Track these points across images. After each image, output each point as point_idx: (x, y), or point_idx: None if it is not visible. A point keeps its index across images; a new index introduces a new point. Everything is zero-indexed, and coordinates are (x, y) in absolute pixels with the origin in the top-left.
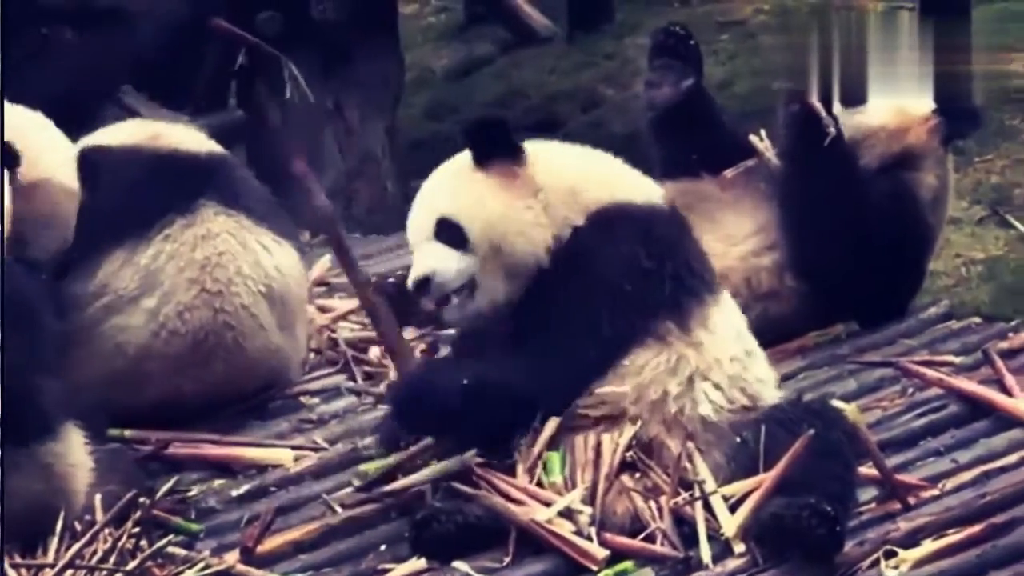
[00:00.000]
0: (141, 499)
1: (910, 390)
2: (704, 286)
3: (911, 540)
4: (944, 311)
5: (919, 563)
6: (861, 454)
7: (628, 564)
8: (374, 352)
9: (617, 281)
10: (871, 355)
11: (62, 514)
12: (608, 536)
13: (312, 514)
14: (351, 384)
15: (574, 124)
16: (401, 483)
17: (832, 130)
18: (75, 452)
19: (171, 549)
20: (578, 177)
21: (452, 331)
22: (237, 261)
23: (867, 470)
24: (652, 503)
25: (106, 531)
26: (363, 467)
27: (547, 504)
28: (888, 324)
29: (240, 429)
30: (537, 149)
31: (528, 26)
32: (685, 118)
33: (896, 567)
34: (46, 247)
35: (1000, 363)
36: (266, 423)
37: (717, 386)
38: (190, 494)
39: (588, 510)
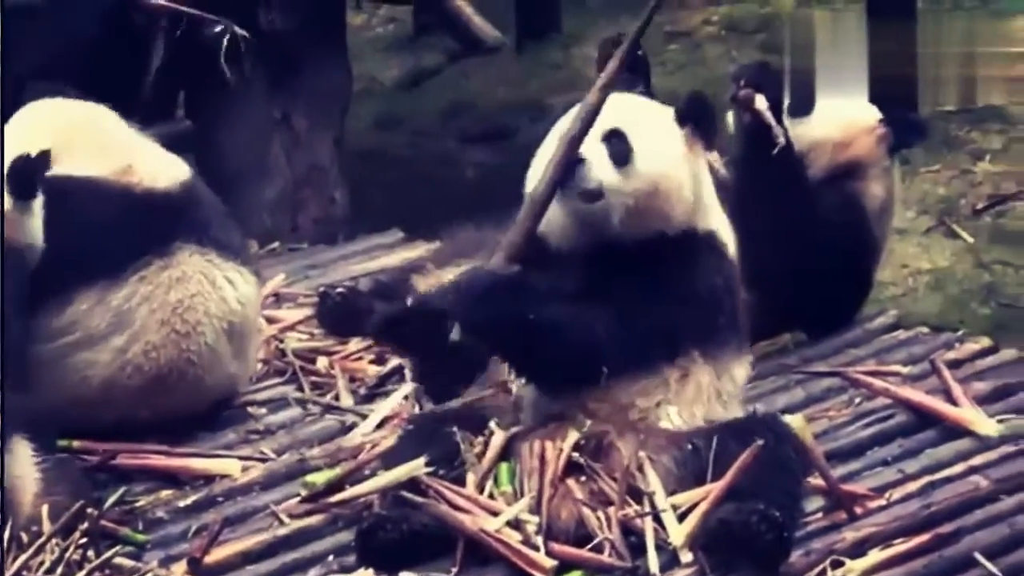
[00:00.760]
0: (88, 510)
1: (857, 400)
2: (738, 334)
3: (858, 550)
4: (891, 321)
5: (866, 573)
6: (810, 466)
7: (576, 574)
8: (322, 362)
9: (693, 299)
10: (818, 365)
11: (8, 525)
12: (556, 546)
13: (259, 525)
14: (298, 394)
15: (522, 133)
16: (348, 493)
17: (781, 140)
18: (21, 463)
19: (118, 560)
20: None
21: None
22: (206, 302)
23: (814, 480)
24: (600, 513)
25: (53, 542)
26: (310, 477)
27: (495, 513)
28: (835, 334)
29: (188, 440)
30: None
31: (476, 36)
32: None
33: None
34: None
35: (947, 373)
36: (214, 434)
37: (680, 414)
38: (137, 505)
39: (536, 519)
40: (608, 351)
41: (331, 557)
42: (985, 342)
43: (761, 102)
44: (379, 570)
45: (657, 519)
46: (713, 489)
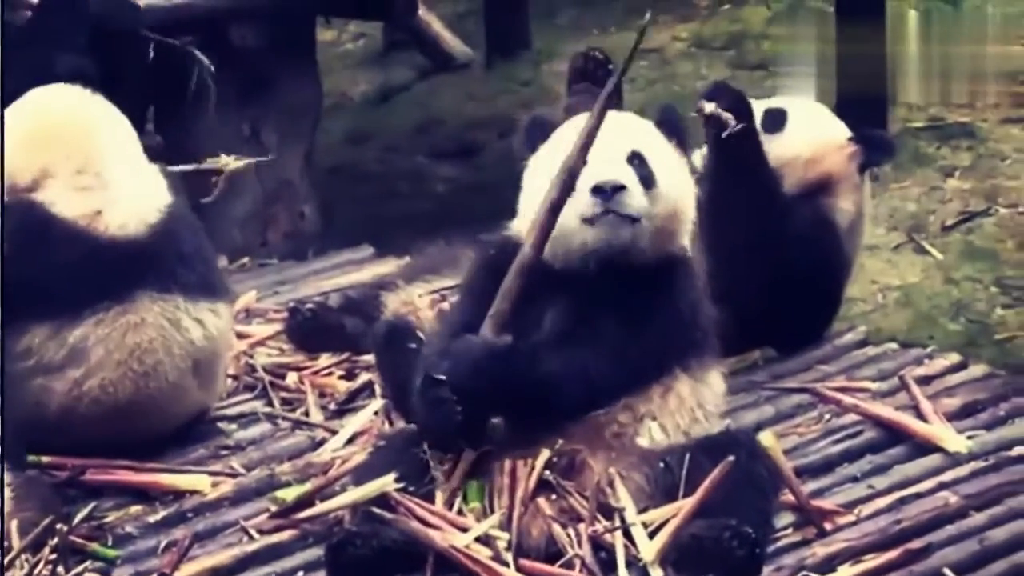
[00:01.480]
0: (58, 525)
1: (826, 416)
2: (713, 345)
3: (827, 566)
4: (860, 337)
5: None
6: (781, 483)
7: None
8: (291, 378)
9: (679, 317)
10: (788, 381)
11: None
12: (525, 562)
13: (229, 540)
14: (268, 410)
15: (491, 150)
16: (318, 509)
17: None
18: None
19: (88, 575)
20: None
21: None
22: (168, 344)
23: (784, 496)
24: (571, 530)
25: (22, 557)
26: (280, 493)
27: (464, 530)
28: (805, 350)
29: (157, 455)
30: None
31: (446, 52)
32: None
33: None
34: None
35: (916, 389)
36: (183, 449)
37: (663, 428)
38: (107, 520)
39: (506, 536)
40: (602, 387)
41: (301, 573)
42: (954, 358)
43: (731, 118)
44: None
45: (628, 535)
46: (684, 505)
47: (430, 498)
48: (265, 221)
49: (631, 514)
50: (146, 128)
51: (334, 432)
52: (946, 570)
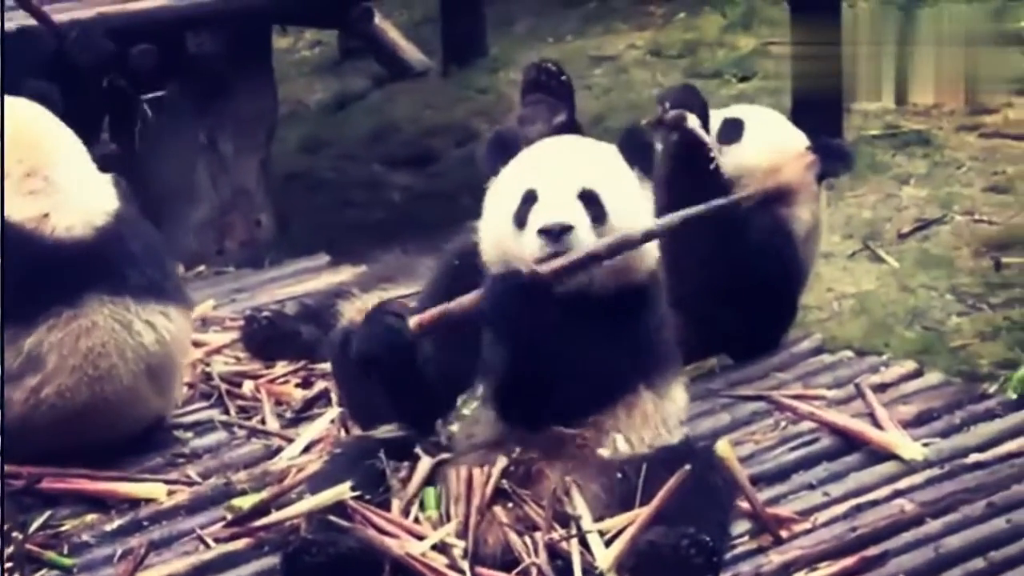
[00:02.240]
0: (14, 533)
1: (782, 424)
2: (676, 362)
3: (784, 573)
4: (816, 345)
5: None
6: (737, 491)
7: None
8: (248, 386)
9: (644, 338)
10: (744, 389)
11: None
12: (482, 570)
13: (185, 549)
14: (224, 418)
15: (448, 158)
16: (274, 517)
17: (716, 155)
18: None
19: None
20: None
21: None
22: (121, 347)
23: (740, 504)
24: (527, 538)
25: None
26: (236, 501)
27: (421, 538)
28: (761, 358)
29: (113, 463)
30: None
31: (402, 60)
32: None
33: None
34: None
35: (872, 397)
36: (139, 457)
37: (628, 441)
38: (63, 528)
39: (462, 544)
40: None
41: None
42: (910, 366)
43: (693, 120)
44: None
45: (584, 543)
46: (641, 514)
47: (386, 506)
48: (221, 229)
49: (587, 522)
50: (101, 137)
51: (290, 440)
52: None
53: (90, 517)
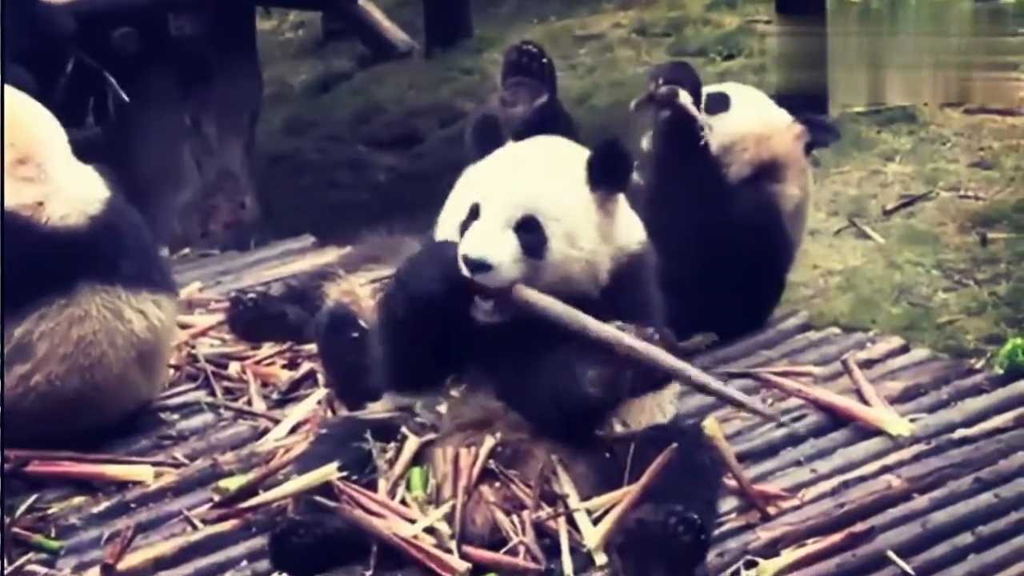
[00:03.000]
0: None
1: (770, 401)
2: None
3: (771, 550)
4: (803, 322)
5: (779, 573)
6: (725, 469)
7: None
8: (234, 367)
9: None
10: (731, 366)
11: None
12: (469, 549)
13: (173, 531)
14: (211, 400)
15: (432, 139)
16: (262, 498)
17: (707, 131)
18: None
19: (31, 567)
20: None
21: (312, 347)
22: (112, 336)
23: (727, 481)
24: (514, 516)
25: None
26: (223, 483)
27: (408, 518)
28: (747, 335)
29: (100, 446)
30: None
31: (386, 41)
32: (539, 135)
33: None
34: None
35: (858, 373)
36: (126, 440)
37: (624, 423)
38: (50, 511)
39: (449, 525)
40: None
41: (245, 562)
42: (896, 342)
43: (685, 97)
44: (293, 575)
45: (572, 522)
46: (628, 492)
47: (373, 486)
48: (206, 211)
49: (574, 501)
50: (86, 121)
51: (277, 421)
52: (889, 553)
53: (77, 500)
